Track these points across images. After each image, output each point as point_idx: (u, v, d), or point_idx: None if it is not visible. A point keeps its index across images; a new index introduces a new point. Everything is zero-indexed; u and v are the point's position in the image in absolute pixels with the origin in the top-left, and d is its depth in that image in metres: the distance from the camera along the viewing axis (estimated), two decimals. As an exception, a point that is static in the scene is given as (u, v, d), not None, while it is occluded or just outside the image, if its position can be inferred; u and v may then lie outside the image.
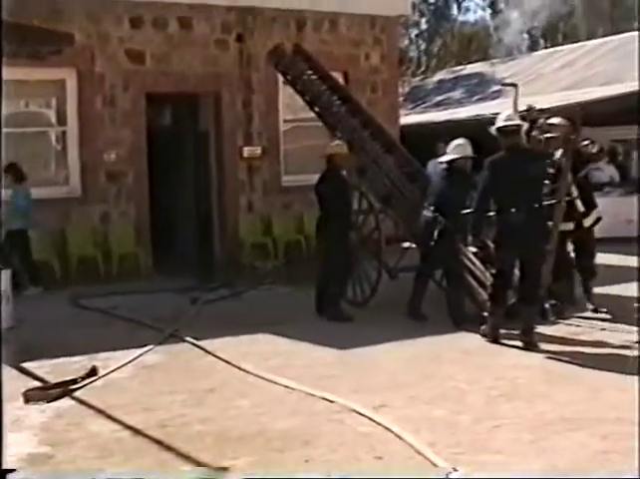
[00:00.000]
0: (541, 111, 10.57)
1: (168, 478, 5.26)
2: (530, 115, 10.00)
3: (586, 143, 9.87)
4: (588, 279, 9.85)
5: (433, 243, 9.37)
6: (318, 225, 10.14)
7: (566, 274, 9.73)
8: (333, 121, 11.52)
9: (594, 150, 9.95)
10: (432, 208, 9.43)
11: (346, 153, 10.26)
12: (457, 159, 9.57)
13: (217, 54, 14.32)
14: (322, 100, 11.69)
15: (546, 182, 8.78)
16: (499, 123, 8.53)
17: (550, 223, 8.81)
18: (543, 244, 8.58)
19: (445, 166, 9.72)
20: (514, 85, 15.09)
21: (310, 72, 12.01)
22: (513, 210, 8.17)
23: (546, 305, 9.44)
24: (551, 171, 9.14)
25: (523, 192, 8.23)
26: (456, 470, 5.09)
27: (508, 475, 5.12)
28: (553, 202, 8.88)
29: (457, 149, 9.66)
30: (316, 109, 11.77)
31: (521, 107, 14.53)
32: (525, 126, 8.63)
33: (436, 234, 9.30)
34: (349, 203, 10.10)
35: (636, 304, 9.90)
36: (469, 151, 9.66)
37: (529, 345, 8.21)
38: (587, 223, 9.73)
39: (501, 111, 9.85)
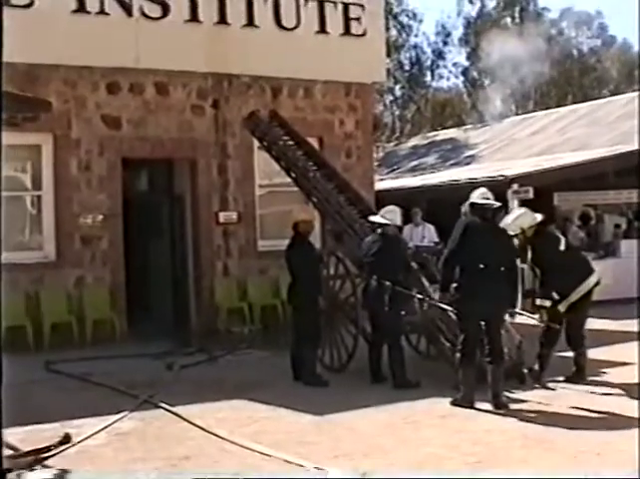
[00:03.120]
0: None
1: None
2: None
3: None
4: (577, 348, 9.60)
5: (386, 310, 9.44)
6: (289, 290, 10.15)
7: (555, 341, 9.65)
8: (309, 186, 11.61)
9: None
10: (374, 276, 9.53)
11: (311, 219, 10.38)
12: (388, 224, 9.82)
13: (193, 119, 14.43)
14: (298, 165, 11.79)
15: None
16: (476, 199, 8.65)
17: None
18: (505, 307, 8.61)
19: (379, 231, 9.91)
20: None
21: (286, 138, 12.14)
22: (482, 266, 8.22)
23: (525, 370, 9.44)
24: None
25: (492, 255, 8.31)
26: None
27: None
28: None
29: (389, 215, 9.93)
30: (292, 174, 11.88)
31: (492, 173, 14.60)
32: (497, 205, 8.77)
33: (387, 300, 9.39)
34: (317, 268, 10.13)
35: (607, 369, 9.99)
36: (399, 219, 10.02)
37: (500, 408, 8.21)
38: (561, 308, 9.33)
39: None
